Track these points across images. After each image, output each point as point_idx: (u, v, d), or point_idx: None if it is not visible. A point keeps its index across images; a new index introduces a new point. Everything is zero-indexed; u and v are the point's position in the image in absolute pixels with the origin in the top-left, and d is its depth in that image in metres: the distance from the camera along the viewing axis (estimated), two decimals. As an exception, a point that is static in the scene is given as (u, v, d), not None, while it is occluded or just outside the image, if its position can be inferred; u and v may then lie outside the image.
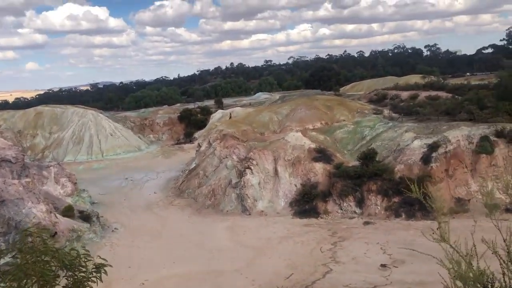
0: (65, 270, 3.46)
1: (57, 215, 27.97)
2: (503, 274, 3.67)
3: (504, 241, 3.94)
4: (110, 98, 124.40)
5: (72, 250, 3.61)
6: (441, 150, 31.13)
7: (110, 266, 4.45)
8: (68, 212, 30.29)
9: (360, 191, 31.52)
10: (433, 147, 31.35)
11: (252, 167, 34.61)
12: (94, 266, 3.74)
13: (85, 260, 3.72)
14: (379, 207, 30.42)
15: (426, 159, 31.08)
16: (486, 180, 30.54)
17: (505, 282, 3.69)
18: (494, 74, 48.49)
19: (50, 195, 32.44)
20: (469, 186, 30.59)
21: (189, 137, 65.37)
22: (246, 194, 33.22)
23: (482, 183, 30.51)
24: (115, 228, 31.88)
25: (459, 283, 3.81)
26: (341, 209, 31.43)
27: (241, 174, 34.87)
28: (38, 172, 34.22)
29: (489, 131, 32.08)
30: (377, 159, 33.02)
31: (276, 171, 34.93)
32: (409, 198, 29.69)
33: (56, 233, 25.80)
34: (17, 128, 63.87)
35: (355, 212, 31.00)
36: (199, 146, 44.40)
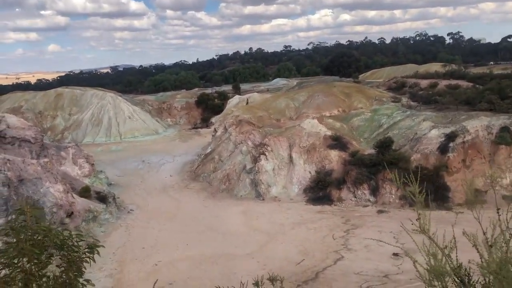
0: (58, 250, 3.55)
1: (74, 195, 28.53)
2: (482, 268, 3.63)
3: (484, 233, 3.89)
4: (129, 81, 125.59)
5: (65, 230, 3.69)
6: (458, 140, 30.67)
7: (103, 246, 4.53)
8: (85, 192, 30.86)
9: (375, 179, 31.34)
10: (450, 137, 30.89)
11: (266, 153, 34.66)
12: (86, 247, 3.81)
13: (78, 240, 3.79)
14: (393, 196, 30.24)
15: (443, 149, 30.67)
16: (505, 171, 30.09)
17: (483, 277, 3.65)
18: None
19: (67, 176, 33.06)
20: (487, 177, 30.12)
21: (206, 122, 65.65)
22: (260, 180, 33.35)
23: (493, 173, 30.05)
24: (130, 210, 32.41)
25: (431, 276, 3.78)
26: (355, 197, 31.33)
27: (255, 160, 34.97)
28: (56, 152, 34.86)
29: (510, 121, 31.44)
30: (393, 147, 32.72)
31: (290, 158, 34.93)
32: (424, 188, 29.45)
33: (72, 213, 26.37)
34: (38, 109, 64.98)
35: (369, 200, 30.87)
36: (215, 131, 44.58)
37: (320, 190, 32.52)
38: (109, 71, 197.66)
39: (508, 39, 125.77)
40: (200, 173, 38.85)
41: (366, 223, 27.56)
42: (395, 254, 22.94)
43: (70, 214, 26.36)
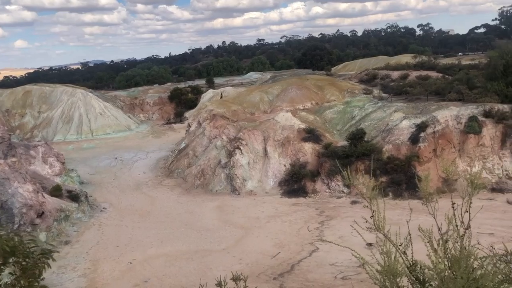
0: (8, 257, 3.37)
1: (45, 194, 27.86)
2: (434, 264, 3.63)
3: (439, 229, 3.90)
4: (100, 77, 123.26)
5: (15, 236, 3.51)
6: (429, 130, 31.23)
7: (58, 252, 4.37)
8: (56, 191, 30.17)
9: (348, 170, 31.59)
10: (421, 127, 31.44)
11: (241, 147, 34.57)
12: (40, 253, 3.63)
13: (30, 246, 3.61)
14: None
15: (414, 139, 31.19)
16: (474, 160, 30.82)
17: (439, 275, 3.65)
18: (485, 54, 48.44)
19: (38, 175, 32.26)
20: (457, 165, 30.80)
21: (179, 117, 65.06)
22: (235, 174, 33.26)
23: (448, 168, 30.78)
24: (103, 208, 31.90)
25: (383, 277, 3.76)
26: (329, 189, 31.60)
27: (230, 154, 34.84)
28: (25, 151, 33.93)
29: (478, 111, 32.17)
30: (365, 139, 33.09)
31: (265, 151, 34.94)
32: (396, 178, 29.95)
33: (43, 213, 25.74)
34: (5, 107, 63.17)
35: (343, 191, 31.18)
36: (189, 126, 44.21)
37: (295, 183, 32.67)
38: (80, 67, 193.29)
39: (475, 31, 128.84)
40: (174, 169, 38.48)
41: (340, 214, 27.84)
42: (369, 244, 23.27)
43: (40, 214, 25.72)
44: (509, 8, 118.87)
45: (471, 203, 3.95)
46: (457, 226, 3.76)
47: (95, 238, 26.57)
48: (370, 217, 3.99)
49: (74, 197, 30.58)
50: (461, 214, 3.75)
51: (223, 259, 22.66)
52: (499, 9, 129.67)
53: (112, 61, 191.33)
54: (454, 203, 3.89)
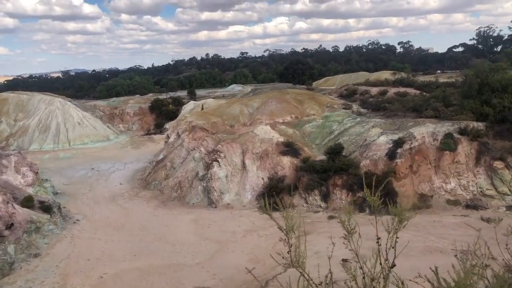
0: None
1: (15, 205, 27.07)
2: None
3: (361, 268, 3.80)
4: (81, 86, 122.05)
5: None
6: (406, 146, 31.51)
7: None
8: (27, 202, 29.38)
9: (326, 185, 31.66)
10: (398, 143, 31.71)
11: (219, 160, 34.34)
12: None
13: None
14: (343, 202, 30.63)
15: (391, 155, 31.42)
16: (449, 177, 31.15)
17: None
18: (461, 72, 49.47)
19: (9, 185, 31.43)
20: (433, 182, 31.08)
21: (159, 128, 64.59)
22: (213, 187, 32.96)
23: (445, 179, 31.11)
24: (77, 220, 31.17)
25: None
26: (307, 203, 31.52)
27: (208, 167, 34.56)
28: (-3, 161, 33.08)
29: (453, 128, 32.64)
30: (343, 154, 33.20)
31: (243, 164, 34.76)
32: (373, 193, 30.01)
33: (12, 224, 24.99)
34: (-20, 114, 61.78)
35: (320, 206, 31.13)
36: (168, 137, 43.83)
37: (273, 197, 32.47)
38: (61, 76, 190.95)
39: (454, 49, 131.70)
40: (151, 181, 37.97)
41: (317, 229, 27.69)
42: (345, 260, 23.17)
43: (10, 226, 24.95)
44: (486, 28, 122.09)
45: (397, 237, 3.87)
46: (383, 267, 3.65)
47: (66, 251, 25.86)
48: (288, 252, 3.89)
49: (46, 208, 29.80)
50: (386, 250, 3.66)
51: (197, 274, 22.25)
52: (476, 29, 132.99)
53: (94, 70, 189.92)
54: (379, 238, 3.80)
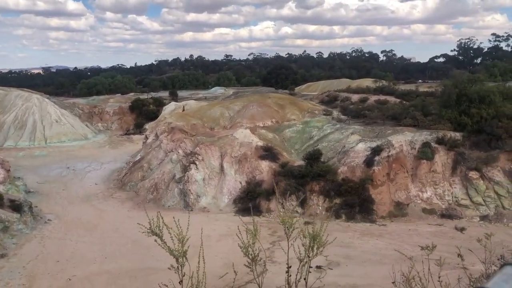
0: None
1: (-17, 204, 26.27)
2: None
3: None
4: (61, 83, 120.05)
5: None
6: (384, 154, 31.61)
7: None
8: (-3, 201, 28.54)
9: (303, 190, 31.54)
10: (376, 151, 31.79)
11: (197, 162, 33.95)
12: None
13: None
14: (320, 208, 30.55)
15: (369, 162, 31.47)
16: (425, 185, 31.35)
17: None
18: (440, 82, 50.10)
19: (-21, 182, 30.52)
20: (409, 190, 31.25)
21: (139, 128, 63.79)
22: (189, 190, 32.55)
23: (422, 188, 31.30)
24: (48, 220, 30.42)
25: None
26: (284, 208, 31.21)
27: (185, 169, 34.14)
28: (-33, 157, 32.10)
29: (431, 137, 32.89)
30: (322, 160, 33.17)
31: (222, 168, 34.44)
32: (350, 200, 30.03)
33: (-21, 223, 24.20)
34: (-47, 109, 60.16)
35: (297, 211, 30.93)
36: (146, 138, 43.26)
37: (250, 201, 32.21)
38: (41, 72, 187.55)
39: (435, 60, 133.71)
40: (127, 182, 37.35)
41: (292, 235, 27.52)
42: (318, 267, 23.01)
43: (-24, 225, 24.17)
44: (466, 40, 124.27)
45: (310, 267, 3.72)
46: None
47: (35, 252, 25.15)
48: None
49: (16, 207, 28.98)
50: (296, 283, 3.46)
51: (169, 278, 21.82)
52: (457, 41, 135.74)
53: (75, 67, 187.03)
54: (290, 266, 3.61)
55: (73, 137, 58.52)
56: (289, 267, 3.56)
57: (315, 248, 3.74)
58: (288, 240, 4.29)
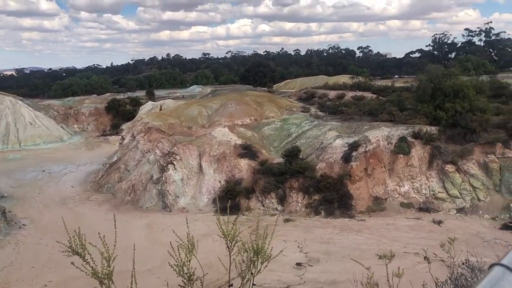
0: None
1: (-47, 210, 25.47)
2: None
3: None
4: (36, 85, 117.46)
5: None
6: (361, 150, 31.81)
7: None
8: (-32, 207, 27.74)
9: (283, 188, 31.53)
10: (353, 146, 31.97)
11: (175, 162, 33.59)
12: None
13: None
14: (300, 204, 30.58)
15: (346, 158, 31.63)
16: (402, 180, 31.67)
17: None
18: (416, 77, 50.71)
19: (-52, 188, 29.58)
20: (387, 185, 31.52)
21: (116, 129, 62.90)
22: (167, 190, 32.18)
23: (399, 182, 31.61)
24: (23, 225, 29.72)
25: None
26: (263, 206, 31.28)
27: (163, 170, 33.75)
28: None
29: (407, 132, 33.23)
30: (300, 156, 33.20)
31: (200, 167, 34.17)
32: (328, 196, 30.14)
33: (-51, 230, 23.45)
34: None
35: (276, 209, 30.95)
36: (123, 138, 42.64)
37: (229, 200, 31.96)
38: (14, 73, 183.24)
39: (411, 55, 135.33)
40: (104, 184, 36.75)
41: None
42: (298, 264, 23.04)
43: None
44: (441, 35, 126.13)
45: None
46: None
47: (9, 258, 24.52)
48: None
49: (-11, 213, 28.25)
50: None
51: (147, 280, 21.51)
52: (432, 36, 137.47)
53: (50, 68, 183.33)
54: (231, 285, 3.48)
55: (48, 139, 57.37)
56: (230, 285, 3.37)
57: (258, 263, 3.54)
58: (230, 255, 4.01)
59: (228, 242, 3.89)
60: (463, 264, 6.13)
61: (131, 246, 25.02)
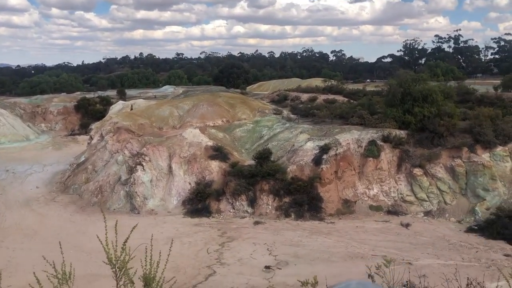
0: None
1: None
2: None
3: None
4: (2, 82, 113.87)
5: None
6: (331, 153, 31.95)
7: None
8: None
9: (253, 190, 31.36)
10: (324, 149, 32.09)
11: (144, 163, 32.98)
12: None
13: None
14: (270, 207, 30.47)
15: (317, 161, 31.71)
16: (372, 183, 31.96)
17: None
18: (386, 81, 51.49)
19: None
20: (356, 188, 31.76)
21: (85, 128, 61.52)
22: (136, 192, 31.55)
23: (368, 185, 31.89)
24: (-17, 227, 28.58)
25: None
26: (234, 208, 31.03)
27: (132, 171, 33.08)
28: None
29: (377, 135, 33.57)
30: (272, 159, 33.11)
31: (170, 168, 33.66)
32: (299, 199, 30.14)
33: None
34: None
35: (247, 211, 30.75)
36: (91, 138, 41.66)
37: (199, 202, 31.71)
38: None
39: (383, 60, 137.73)
40: (70, 185, 35.78)
41: (242, 235, 27.27)
42: (267, 267, 22.89)
43: None
44: (412, 41, 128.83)
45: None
46: None
47: (-33, 262, 23.49)
48: None
49: None
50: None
51: (112, 284, 20.95)
52: (403, 41, 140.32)
53: (18, 65, 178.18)
54: None
55: (13, 138, 55.62)
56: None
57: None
58: (117, 285, 3.68)
59: (117, 270, 3.52)
60: (404, 287, 6.05)
61: (97, 248, 24.45)
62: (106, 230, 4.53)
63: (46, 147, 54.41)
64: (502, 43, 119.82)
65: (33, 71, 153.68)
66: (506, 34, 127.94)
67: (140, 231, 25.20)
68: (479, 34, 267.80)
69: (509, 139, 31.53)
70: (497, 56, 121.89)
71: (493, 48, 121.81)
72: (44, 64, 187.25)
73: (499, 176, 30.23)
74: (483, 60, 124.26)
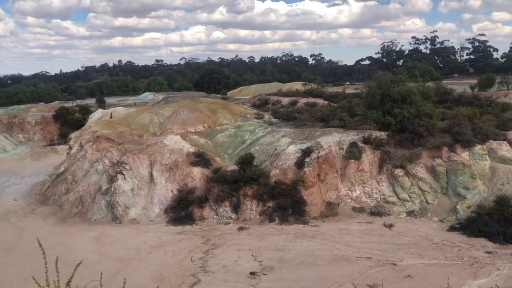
0: None
1: None
2: None
3: None
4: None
5: None
6: (314, 155, 32.01)
7: None
8: None
9: (237, 196, 31.18)
10: (306, 152, 32.13)
11: (124, 172, 32.52)
12: None
13: None
14: (254, 212, 30.33)
15: (300, 164, 31.73)
16: (354, 184, 32.08)
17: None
18: (365, 84, 51.95)
19: None
20: (339, 190, 31.84)
21: (64, 138, 60.49)
22: (117, 201, 31.06)
23: (351, 187, 32.01)
24: (-41, 242, 27.75)
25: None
26: (217, 215, 30.79)
27: (112, 180, 32.57)
28: None
29: (358, 137, 33.77)
30: (254, 163, 33.00)
31: (151, 176, 33.26)
32: (282, 203, 30.07)
33: None
34: None
35: (230, 217, 30.55)
36: (70, 148, 40.96)
37: (182, 210, 31.39)
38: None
39: (361, 62, 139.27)
40: (50, 196, 35.07)
41: (226, 242, 27.04)
42: (252, 273, 22.71)
43: None
44: (389, 43, 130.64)
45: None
46: None
47: None
48: None
49: None
50: None
51: (94, 297, 20.54)
52: (381, 44, 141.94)
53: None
54: None
55: (-11, 150, 54.38)
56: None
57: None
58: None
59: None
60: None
61: (78, 260, 23.86)
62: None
63: (24, 158, 53.35)
64: (476, 43, 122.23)
65: (9, 81, 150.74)
66: (480, 34, 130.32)
67: (122, 241, 24.93)
68: (454, 35, 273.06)
69: (487, 138, 32.02)
70: (472, 56, 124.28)
71: (468, 49, 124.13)
72: (21, 74, 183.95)
73: (479, 174, 30.66)
74: (459, 60, 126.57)
